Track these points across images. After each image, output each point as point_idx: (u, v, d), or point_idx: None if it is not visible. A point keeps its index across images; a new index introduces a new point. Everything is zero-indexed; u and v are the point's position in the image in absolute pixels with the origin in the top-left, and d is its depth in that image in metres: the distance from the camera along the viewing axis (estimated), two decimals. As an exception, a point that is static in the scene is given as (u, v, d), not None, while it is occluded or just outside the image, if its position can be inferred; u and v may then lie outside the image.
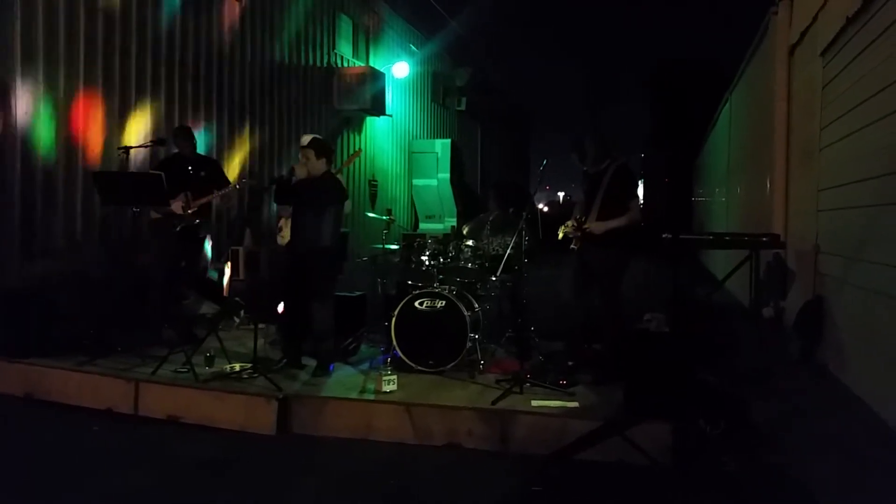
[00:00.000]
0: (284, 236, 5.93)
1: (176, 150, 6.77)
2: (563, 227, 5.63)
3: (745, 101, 11.68)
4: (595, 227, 5.41)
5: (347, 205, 5.91)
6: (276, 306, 6.32)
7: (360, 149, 8.30)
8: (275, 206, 7.19)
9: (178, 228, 6.37)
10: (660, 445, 4.26)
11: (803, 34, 7.38)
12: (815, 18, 6.79)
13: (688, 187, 24.46)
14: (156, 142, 6.99)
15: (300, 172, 5.63)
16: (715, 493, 3.93)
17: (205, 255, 6.88)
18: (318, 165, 5.69)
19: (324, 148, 5.77)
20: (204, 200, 6.43)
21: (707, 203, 19.09)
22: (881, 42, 4.94)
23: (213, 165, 6.99)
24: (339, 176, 6.12)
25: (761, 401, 4.91)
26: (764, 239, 6.00)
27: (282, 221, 5.93)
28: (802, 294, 6.80)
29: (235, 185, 6.93)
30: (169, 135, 7.18)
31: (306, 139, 6.04)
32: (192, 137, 6.78)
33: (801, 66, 7.66)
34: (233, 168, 9.65)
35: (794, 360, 6.25)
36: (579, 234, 5.47)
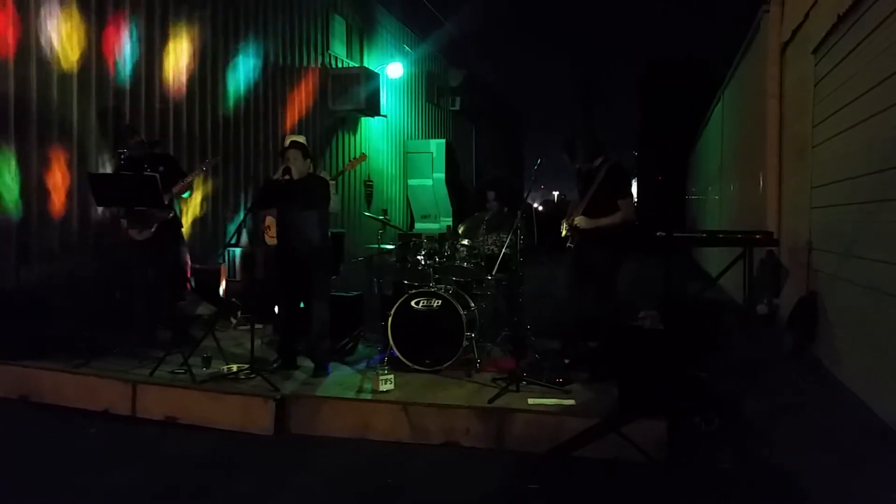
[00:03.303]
0: (273, 236, 5.87)
1: (124, 153, 6.46)
2: (563, 226, 5.67)
3: (737, 99, 11.73)
4: (580, 221, 5.45)
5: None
6: (273, 307, 6.31)
7: (364, 153, 8.29)
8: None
9: (153, 228, 6.22)
10: (655, 442, 4.28)
11: (795, 32, 7.43)
12: (806, 16, 6.83)
13: (681, 185, 24.52)
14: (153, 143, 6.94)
15: (297, 172, 5.64)
16: (710, 490, 3.96)
17: (184, 249, 6.71)
18: (308, 165, 5.79)
19: (308, 149, 5.90)
20: (180, 185, 6.26)
21: (700, 201, 19.15)
22: (873, 38, 4.98)
23: (168, 160, 6.67)
24: (325, 175, 6.16)
25: (755, 396, 4.95)
26: (757, 236, 6.04)
27: (269, 220, 5.85)
28: (796, 290, 6.84)
29: (202, 168, 6.88)
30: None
31: (300, 138, 6.05)
32: (139, 135, 6.54)
33: (793, 63, 7.71)
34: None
35: (788, 355, 6.29)
36: (574, 233, 5.53)
